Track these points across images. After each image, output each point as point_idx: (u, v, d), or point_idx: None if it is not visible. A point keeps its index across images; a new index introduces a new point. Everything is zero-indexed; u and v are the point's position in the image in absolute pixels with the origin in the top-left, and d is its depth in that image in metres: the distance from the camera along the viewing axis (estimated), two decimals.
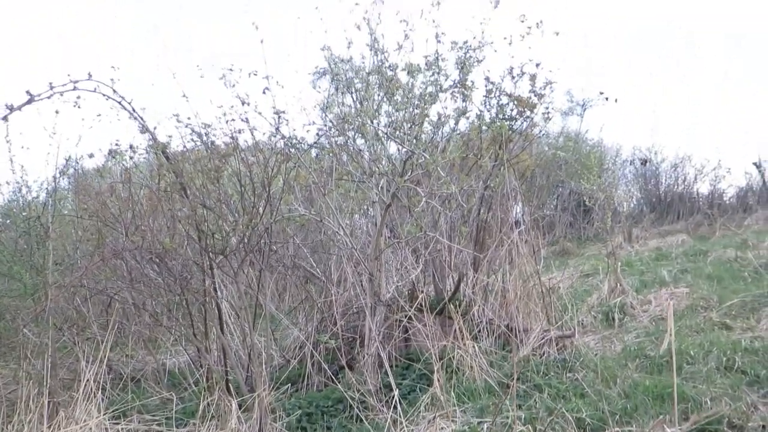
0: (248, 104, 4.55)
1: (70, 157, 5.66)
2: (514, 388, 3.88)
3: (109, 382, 5.29)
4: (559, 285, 7.00)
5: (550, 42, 5.04)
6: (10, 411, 4.75)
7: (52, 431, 4.29)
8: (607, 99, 5.87)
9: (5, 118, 3.75)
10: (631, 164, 14.92)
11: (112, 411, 4.67)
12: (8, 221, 6.19)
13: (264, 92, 4.40)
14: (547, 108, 5.51)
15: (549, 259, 9.17)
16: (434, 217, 5.56)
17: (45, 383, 4.51)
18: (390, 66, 5.01)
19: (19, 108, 3.77)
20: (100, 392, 4.62)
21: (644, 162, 14.29)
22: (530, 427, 3.43)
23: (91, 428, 4.34)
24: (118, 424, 4.55)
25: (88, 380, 4.64)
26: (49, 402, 4.48)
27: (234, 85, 4.52)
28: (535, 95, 5.43)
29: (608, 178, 13.42)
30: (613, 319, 6.54)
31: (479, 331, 5.35)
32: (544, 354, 5.03)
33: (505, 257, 5.57)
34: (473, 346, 4.85)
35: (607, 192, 9.79)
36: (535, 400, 4.28)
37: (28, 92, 3.77)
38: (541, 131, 6.01)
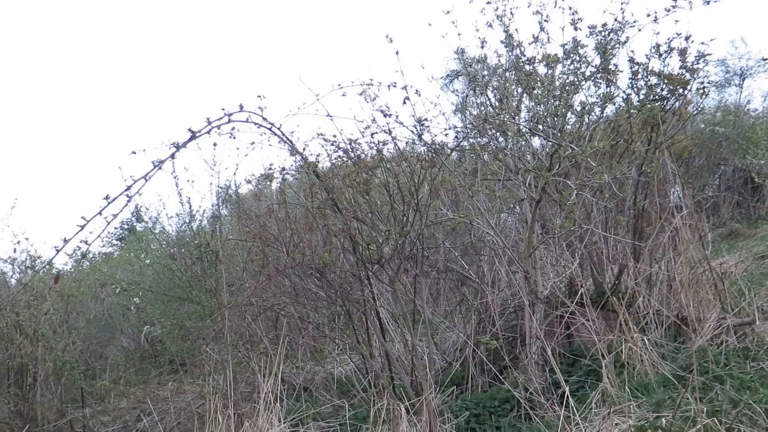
0: (389, 115, 4.67)
1: (230, 184, 6.14)
2: (695, 375, 3.66)
3: (284, 392, 5.59)
4: (732, 269, 6.51)
5: (700, 12, 4.72)
6: (200, 424, 5.18)
7: None
8: None
9: (173, 156, 4.08)
10: None
11: (291, 420, 4.95)
12: (182, 250, 6.76)
13: (404, 102, 4.49)
14: (702, 83, 5.17)
15: (716, 242, 8.54)
16: (587, 210, 5.39)
17: (229, 396, 4.87)
18: (527, 60, 4.93)
19: (185, 145, 4.09)
20: (278, 403, 4.92)
21: None
22: (715, 421, 3.21)
23: None
24: (297, 431, 4.82)
25: (266, 392, 4.96)
26: (234, 413, 4.83)
27: (374, 99, 4.66)
28: (687, 71, 5.12)
29: None
30: None
31: (646, 323, 5.09)
32: (722, 343, 4.69)
33: (668, 244, 5.27)
34: (642, 339, 4.63)
35: None
36: (716, 393, 4.01)
37: (189, 129, 4.09)
38: (696, 108, 5.64)
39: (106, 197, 3.59)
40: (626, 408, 3.90)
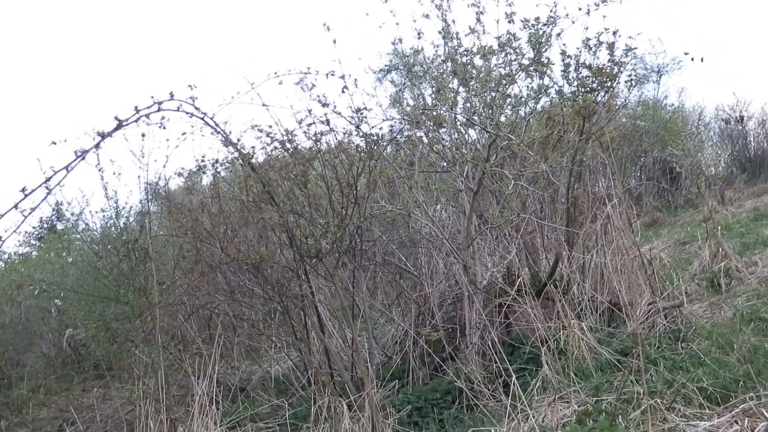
0: (327, 105, 4.57)
1: (159, 177, 5.86)
2: (641, 356, 3.74)
3: (219, 394, 5.42)
4: (660, 255, 6.74)
5: (630, 6, 4.83)
6: (129, 430, 4.94)
7: None
8: (692, 59, 5.60)
9: (98, 146, 3.81)
10: (726, 123, 14.13)
11: (227, 422, 4.79)
12: (108, 246, 6.44)
13: (343, 91, 4.40)
14: (630, 76, 5.31)
15: (642, 230, 8.85)
16: (522, 200, 5.45)
17: (161, 401, 4.66)
18: (464, 51, 4.93)
19: (110, 134, 3.82)
20: (213, 405, 4.75)
21: (740, 119, 13.46)
22: (658, 401, 3.28)
23: None
24: None
25: (200, 395, 4.78)
26: (167, 418, 4.63)
27: (312, 88, 4.55)
28: (615, 64, 5.24)
29: (693, 142, 12.86)
30: (719, 284, 6.23)
31: (581, 310, 5.20)
32: (654, 326, 4.84)
33: (600, 232, 5.40)
34: (579, 325, 4.72)
35: (695, 156, 9.38)
36: (651, 374, 4.13)
37: (116, 118, 3.82)
38: (625, 100, 5.80)
39: (23, 190, 3.33)
40: (567, 394, 3.96)
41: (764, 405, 3.36)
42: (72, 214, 6.99)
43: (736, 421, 3.29)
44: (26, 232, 9.47)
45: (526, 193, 5.35)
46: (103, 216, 6.37)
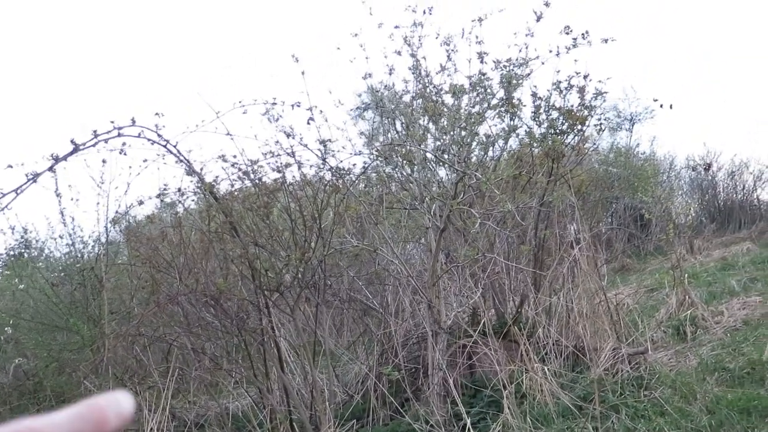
0: (293, 137, 4.51)
1: (119, 205, 5.72)
2: (596, 403, 3.67)
3: (173, 429, 5.23)
4: (625, 301, 6.72)
5: (599, 50, 4.88)
6: None
7: None
8: (662, 106, 5.67)
9: (52, 169, 3.69)
10: (693, 170, 14.34)
11: None
12: (62, 274, 6.27)
13: (309, 123, 4.35)
14: (599, 119, 5.34)
15: (610, 276, 8.85)
16: (490, 240, 5.40)
17: None
18: (434, 88, 4.93)
19: (65, 158, 3.72)
20: None
21: (707, 167, 13.64)
22: None
23: None
24: None
25: (151, 429, 4.61)
26: None
27: (278, 119, 4.49)
28: (585, 108, 5.28)
29: (664, 190, 13.01)
30: (685, 332, 6.21)
31: (546, 353, 5.13)
32: (618, 372, 4.78)
33: (567, 275, 5.36)
34: (542, 369, 4.64)
35: (665, 203, 9.46)
36: (612, 422, 4.05)
37: (72, 141, 3.73)
38: (594, 144, 5.83)
39: None
40: None
41: None
42: (36, 242, 6.82)
43: None
44: None
45: (494, 233, 5.31)
46: (63, 243, 6.21)
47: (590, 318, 5.19)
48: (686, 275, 7.51)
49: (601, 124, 5.47)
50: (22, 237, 7.54)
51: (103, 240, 5.49)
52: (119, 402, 0.52)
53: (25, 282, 7.53)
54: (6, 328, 6.42)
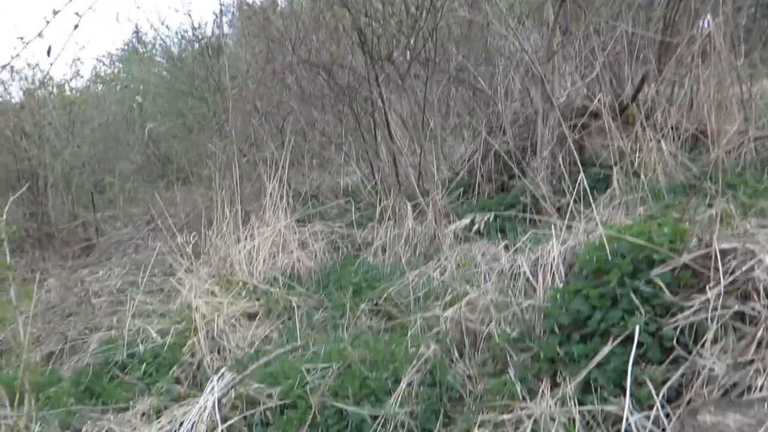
0: None
1: None
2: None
3: (290, 196, 5.55)
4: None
5: None
6: (208, 222, 5.17)
7: (247, 232, 4.65)
8: None
9: None
10: None
11: (297, 217, 4.95)
12: (184, 54, 6.47)
13: None
14: None
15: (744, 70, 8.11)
16: (613, 12, 5.01)
17: (236, 193, 4.84)
18: None
19: None
20: (285, 201, 4.90)
21: None
22: (731, 208, 3.10)
23: (280, 230, 4.64)
24: (303, 226, 4.84)
25: (272, 193, 4.93)
26: (241, 209, 4.82)
27: None
28: None
29: None
30: None
31: (663, 136, 4.90)
32: (740, 155, 4.52)
33: (697, 53, 4.93)
34: (657, 147, 4.46)
35: None
36: (727, 199, 3.90)
37: None
38: None
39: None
40: (631, 203, 3.82)
41: None
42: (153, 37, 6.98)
43: None
44: (110, 53, 9.63)
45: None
46: (179, 33, 6.34)
47: (716, 100, 4.84)
48: None
49: None
50: (133, 34, 7.82)
51: (217, 12, 5.56)
52: None
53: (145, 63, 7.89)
54: (137, 96, 6.83)
